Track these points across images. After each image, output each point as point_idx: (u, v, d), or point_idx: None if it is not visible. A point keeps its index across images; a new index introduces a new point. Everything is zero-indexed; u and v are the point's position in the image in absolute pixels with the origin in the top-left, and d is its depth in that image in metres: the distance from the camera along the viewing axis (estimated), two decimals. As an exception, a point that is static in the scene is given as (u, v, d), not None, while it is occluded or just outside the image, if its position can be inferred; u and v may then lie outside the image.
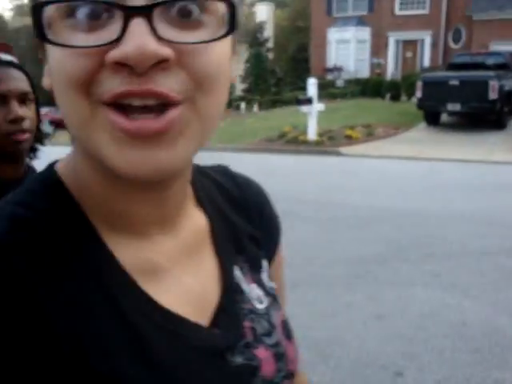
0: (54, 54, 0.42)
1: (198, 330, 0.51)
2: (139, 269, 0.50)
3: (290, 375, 0.58)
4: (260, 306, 0.59)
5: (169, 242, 0.54)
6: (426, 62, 23.98)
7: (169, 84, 0.40)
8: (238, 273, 0.59)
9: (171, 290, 0.52)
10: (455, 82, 12.74)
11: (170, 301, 0.50)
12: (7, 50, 1.38)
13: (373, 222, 6.11)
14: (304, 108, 12.64)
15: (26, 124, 1.30)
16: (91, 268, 0.47)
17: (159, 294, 0.50)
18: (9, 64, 1.30)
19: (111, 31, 0.39)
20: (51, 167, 0.52)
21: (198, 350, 0.50)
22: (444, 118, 14.75)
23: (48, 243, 0.46)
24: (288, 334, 0.61)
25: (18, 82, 1.29)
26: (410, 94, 16.87)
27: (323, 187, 8.18)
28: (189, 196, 0.58)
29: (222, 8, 0.42)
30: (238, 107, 21.41)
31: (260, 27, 31.39)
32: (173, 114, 0.41)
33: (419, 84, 13.58)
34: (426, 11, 24.25)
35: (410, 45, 25.02)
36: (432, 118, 14.40)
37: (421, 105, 13.85)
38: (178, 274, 0.54)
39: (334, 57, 25.96)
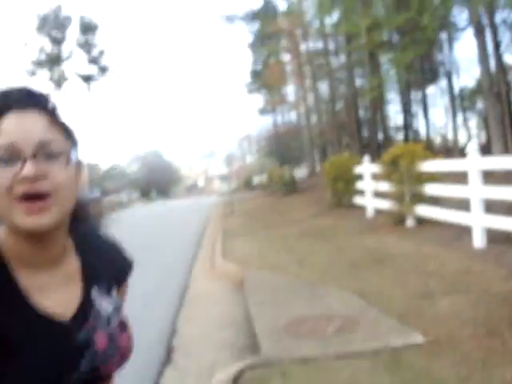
0: None
1: (62, 320, 0.96)
2: (35, 288, 0.95)
3: (119, 349, 1.01)
4: (105, 312, 1.03)
5: (55, 273, 1.00)
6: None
7: (45, 187, 0.89)
8: (95, 292, 1.04)
9: (51, 299, 0.97)
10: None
11: (50, 305, 0.95)
12: None
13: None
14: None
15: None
16: (5, 287, 0.92)
17: (44, 301, 0.95)
18: None
19: (17, 166, 0.88)
20: None
21: (57, 329, 0.94)
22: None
23: None
24: (122, 328, 1.05)
25: None
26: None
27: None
28: (68, 245, 1.04)
29: (67, 150, 0.96)
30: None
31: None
32: (48, 200, 0.90)
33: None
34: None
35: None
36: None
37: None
38: (58, 291, 0.99)
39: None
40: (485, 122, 31.15)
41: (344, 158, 13.76)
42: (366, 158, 12.11)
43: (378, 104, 24.09)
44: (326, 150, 40.17)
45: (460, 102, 34.05)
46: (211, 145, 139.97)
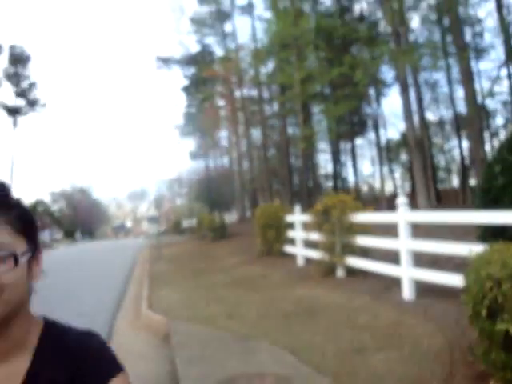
0: None
1: None
2: None
3: None
4: None
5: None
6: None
7: None
8: None
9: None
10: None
11: None
12: None
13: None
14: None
15: None
16: None
17: None
18: None
19: None
20: None
21: None
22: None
23: None
24: None
25: None
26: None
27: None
28: (24, 343, 1.01)
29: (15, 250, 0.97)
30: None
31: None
32: None
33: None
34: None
35: None
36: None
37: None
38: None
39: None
40: (409, 173, 32.60)
41: (275, 206, 13.80)
42: (298, 208, 12.17)
43: (309, 152, 24.68)
44: (257, 196, 40.50)
45: (386, 153, 35.58)
46: (141, 185, 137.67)
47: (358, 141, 39.58)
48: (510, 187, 6.69)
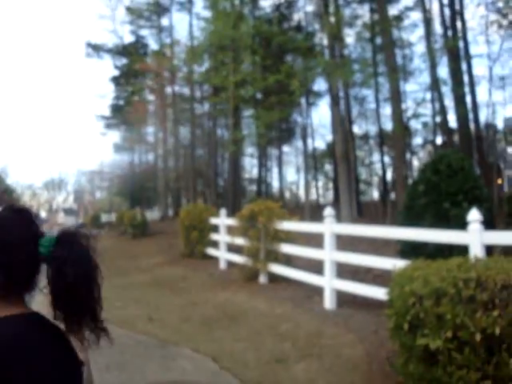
0: None
1: None
2: None
3: None
4: None
5: None
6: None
7: None
8: None
9: None
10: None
11: None
12: None
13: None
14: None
15: None
16: None
17: None
18: None
19: None
20: None
21: None
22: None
23: None
24: None
25: None
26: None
27: None
28: None
29: None
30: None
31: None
32: None
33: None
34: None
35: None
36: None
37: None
38: None
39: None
40: (333, 183, 33.42)
41: (200, 207, 13.67)
42: (223, 211, 12.11)
43: (236, 156, 24.74)
44: (180, 195, 40.05)
45: (312, 162, 36.35)
46: (59, 175, 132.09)
47: (285, 148, 40.33)
48: (431, 206, 7.01)
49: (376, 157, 37.12)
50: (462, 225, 6.41)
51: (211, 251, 12.63)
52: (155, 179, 44.72)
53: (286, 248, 8.86)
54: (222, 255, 11.68)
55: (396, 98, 13.56)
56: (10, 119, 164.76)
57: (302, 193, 48.09)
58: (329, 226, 7.44)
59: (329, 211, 7.56)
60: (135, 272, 12.35)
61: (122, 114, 42.91)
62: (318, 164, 40.94)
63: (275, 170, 39.80)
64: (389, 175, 29.09)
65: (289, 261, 9.30)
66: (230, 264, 11.50)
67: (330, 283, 7.30)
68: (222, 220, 11.86)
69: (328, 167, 51.90)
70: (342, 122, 15.23)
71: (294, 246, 8.79)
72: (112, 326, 5.03)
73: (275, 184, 41.96)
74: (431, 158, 7.64)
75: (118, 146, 52.70)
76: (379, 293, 6.65)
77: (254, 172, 46.87)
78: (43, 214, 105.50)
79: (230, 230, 11.40)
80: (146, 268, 12.96)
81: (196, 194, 27.01)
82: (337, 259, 7.38)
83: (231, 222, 11.32)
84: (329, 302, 7.28)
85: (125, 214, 26.06)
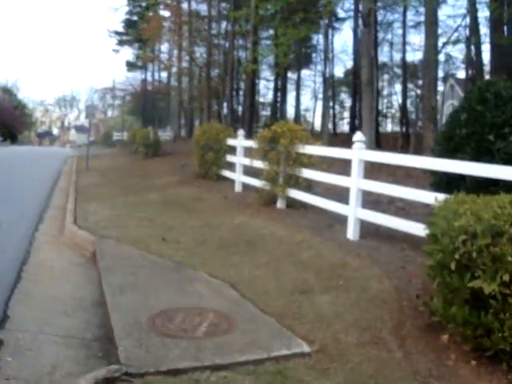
0: None
1: None
2: None
3: None
4: None
5: None
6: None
7: None
8: None
9: None
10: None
11: None
12: None
13: None
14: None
15: None
16: None
17: None
18: None
19: None
20: None
21: None
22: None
23: None
24: None
25: None
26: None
27: None
28: None
29: None
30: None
31: None
32: None
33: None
34: None
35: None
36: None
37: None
38: None
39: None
40: (350, 111, 32.44)
41: (217, 127, 13.08)
42: (241, 132, 11.57)
43: (255, 77, 23.78)
44: (193, 116, 39.31)
45: (330, 89, 35.17)
46: (71, 91, 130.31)
47: (302, 72, 38.91)
48: (473, 137, 6.43)
49: (394, 88, 35.86)
50: (507, 160, 5.87)
51: (226, 173, 12.21)
52: (168, 99, 43.80)
53: (308, 173, 8.39)
54: (238, 178, 11.26)
55: (431, 20, 12.55)
56: (22, 33, 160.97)
57: (316, 120, 47.14)
58: (357, 152, 6.91)
59: (359, 136, 7.01)
60: (147, 191, 12.01)
61: (136, 30, 41.40)
62: (335, 92, 39.65)
63: (290, 96, 38.73)
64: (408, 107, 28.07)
65: (308, 187, 8.88)
66: (246, 187, 11.13)
67: (354, 212, 6.88)
68: (240, 141, 11.34)
69: (343, 96, 50.54)
70: (369, 46, 14.31)
71: (318, 171, 8.31)
72: (125, 245, 4.65)
73: (289, 110, 40.97)
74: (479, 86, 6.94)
75: (131, 64, 51.40)
76: (408, 226, 6.27)
77: (268, 97, 45.77)
78: (55, 131, 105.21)
79: (247, 153, 10.93)
80: (159, 187, 12.62)
81: (210, 115, 26.30)
82: (364, 188, 6.92)
83: (249, 143, 10.81)
84: (352, 232, 6.90)
85: (137, 133, 25.55)
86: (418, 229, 5.93)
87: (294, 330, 3.92)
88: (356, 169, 6.92)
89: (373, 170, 11.16)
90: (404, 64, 27.52)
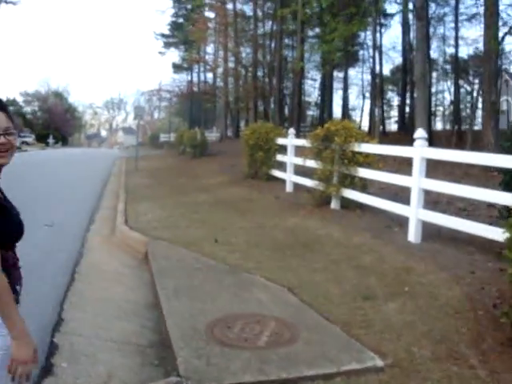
0: None
1: None
2: None
3: None
4: None
5: None
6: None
7: (8, 147, 1.79)
8: None
9: None
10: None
11: None
12: None
13: None
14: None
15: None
16: None
17: None
18: None
19: None
20: None
21: None
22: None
23: None
24: None
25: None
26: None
27: None
28: None
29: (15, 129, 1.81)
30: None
31: None
32: (8, 153, 1.80)
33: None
34: None
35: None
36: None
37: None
38: None
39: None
40: (398, 110, 31.60)
41: (267, 126, 12.83)
42: (291, 131, 11.29)
43: (302, 75, 23.41)
44: (239, 116, 39.27)
45: (377, 86, 34.39)
46: (118, 94, 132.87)
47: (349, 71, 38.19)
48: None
49: (444, 84, 34.70)
50: None
51: (276, 173, 11.95)
52: (214, 100, 43.94)
53: (365, 172, 8.03)
54: (289, 177, 10.99)
55: (492, 9, 11.90)
56: (71, 38, 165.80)
57: (364, 120, 46.28)
58: (419, 150, 6.52)
59: (420, 133, 6.62)
60: (197, 191, 11.90)
61: (182, 32, 41.73)
62: (383, 90, 38.73)
63: (336, 95, 38.14)
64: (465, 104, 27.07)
65: (363, 187, 8.52)
66: (297, 187, 10.85)
67: (416, 213, 6.49)
68: (290, 140, 11.06)
69: (390, 94, 49.38)
70: (423, 40, 13.75)
71: (375, 170, 7.94)
72: (178, 246, 4.42)
73: (335, 110, 40.36)
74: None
75: (177, 66, 51.89)
76: (477, 228, 5.85)
77: (314, 96, 45.28)
78: (103, 133, 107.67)
79: (300, 152, 10.64)
80: (208, 188, 12.49)
81: (257, 116, 26.09)
82: (426, 187, 6.52)
83: (301, 142, 10.54)
84: (413, 235, 6.51)
85: (184, 134, 25.64)
86: (489, 231, 5.53)
87: (363, 341, 3.62)
88: (417, 167, 6.53)
89: (427, 169, 10.63)
90: (456, 59, 26.52)
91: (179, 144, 27.30)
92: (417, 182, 6.51)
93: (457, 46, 25.93)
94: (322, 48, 20.63)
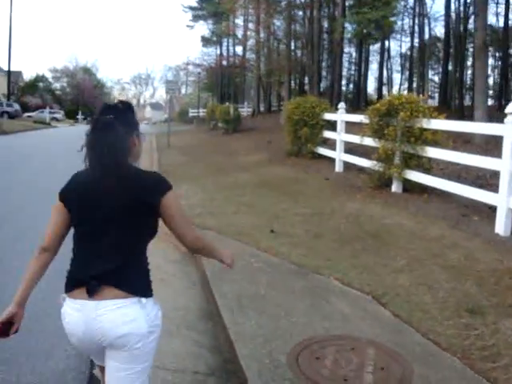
0: None
1: None
2: None
3: None
4: None
5: None
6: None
7: None
8: None
9: None
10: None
11: None
12: None
13: None
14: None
15: None
16: None
17: None
18: None
19: None
20: None
21: None
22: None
23: None
24: None
25: None
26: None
27: None
28: None
29: None
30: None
31: None
32: None
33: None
34: None
35: None
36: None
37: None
38: None
39: None
40: (440, 83, 29.96)
41: (312, 100, 11.80)
42: (342, 105, 10.29)
43: (341, 46, 22.10)
44: (271, 90, 38.11)
45: (419, 59, 32.76)
46: (146, 69, 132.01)
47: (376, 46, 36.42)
48: None
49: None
50: None
51: (324, 151, 10.99)
52: (244, 74, 42.74)
53: (436, 152, 7.04)
54: (339, 156, 10.03)
55: None
56: (99, 14, 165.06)
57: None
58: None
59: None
60: (237, 170, 11.04)
61: (211, 4, 40.46)
62: (424, 63, 36.91)
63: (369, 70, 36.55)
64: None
65: (429, 169, 7.56)
66: (347, 167, 9.92)
67: (507, 202, 5.51)
68: (341, 115, 10.07)
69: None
70: (484, 3, 12.44)
71: (450, 150, 6.94)
72: (228, 238, 3.40)
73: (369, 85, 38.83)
74: None
75: (206, 39, 50.66)
76: None
77: (350, 71, 43.69)
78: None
79: (352, 129, 9.69)
80: (248, 166, 11.61)
81: (291, 90, 24.92)
82: (520, 170, 5.52)
83: (353, 117, 9.57)
84: (502, 227, 5.56)
85: (217, 109, 24.71)
86: None
87: (497, 382, 2.74)
88: (509, 147, 5.53)
89: (487, 149, 9.59)
90: (506, 25, 24.57)
91: (210, 119, 26.43)
92: (509, 165, 5.51)
93: (507, 10, 24.05)
94: (362, 17, 19.34)
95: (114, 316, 1.69)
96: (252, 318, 3.35)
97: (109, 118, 1.76)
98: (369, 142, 8.37)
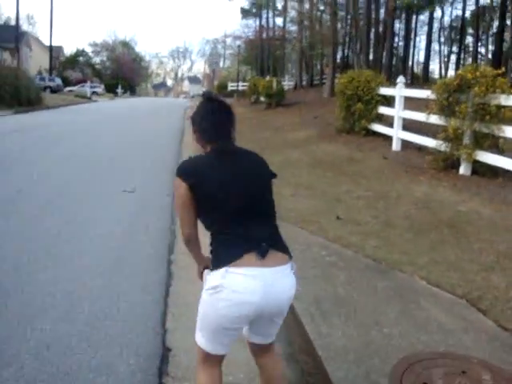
0: None
1: None
2: None
3: None
4: None
5: None
6: None
7: None
8: None
9: None
10: None
11: None
12: None
13: None
14: None
15: None
16: None
17: None
18: None
19: None
20: None
21: None
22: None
23: None
24: None
25: None
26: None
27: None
28: None
29: None
30: None
31: None
32: None
33: None
34: None
35: None
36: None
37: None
38: None
39: None
40: (494, 51, 28.33)
41: (367, 74, 11.09)
42: (401, 79, 9.60)
43: (394, 15, 20.86)
44: (313, 64, 37.13)
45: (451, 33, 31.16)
46: (183, 43, 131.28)
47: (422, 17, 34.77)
48: None
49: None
50: None
51: (380, 128, 10.36)
52: (284, 47, 41.72)
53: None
54: (397, 134, 9.40)
55: None
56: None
57: (441, 67, 42.85)
58: None
59: None
60: (286, 147, 10.54)
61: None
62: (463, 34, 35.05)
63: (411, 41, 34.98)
64: None
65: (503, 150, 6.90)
66: (405, 145, 9.30)
67: None
68: (400, 90, 9.40)
69: (469, 39, 45.21)
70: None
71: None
72: (292, 225, 2.87)
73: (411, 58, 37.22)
74: None
75: (246, 11, 49.67)
76: None
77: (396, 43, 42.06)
78: (169, 83, 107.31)
79: (413, 105, 9.04)
80: (297, 143, 11.09)
81: (335, 63, 24.02)
82: None
83: (416, 93, 8.92)
84: None
85: (259, 82, 24.08)
86: None
87: None
88: None
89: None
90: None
91: (252, 93, 25.84)
92: None
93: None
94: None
95: (286, 281, 1.79)
96: (338, 327, 2.91)
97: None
98: (434, 119, 7.72)
